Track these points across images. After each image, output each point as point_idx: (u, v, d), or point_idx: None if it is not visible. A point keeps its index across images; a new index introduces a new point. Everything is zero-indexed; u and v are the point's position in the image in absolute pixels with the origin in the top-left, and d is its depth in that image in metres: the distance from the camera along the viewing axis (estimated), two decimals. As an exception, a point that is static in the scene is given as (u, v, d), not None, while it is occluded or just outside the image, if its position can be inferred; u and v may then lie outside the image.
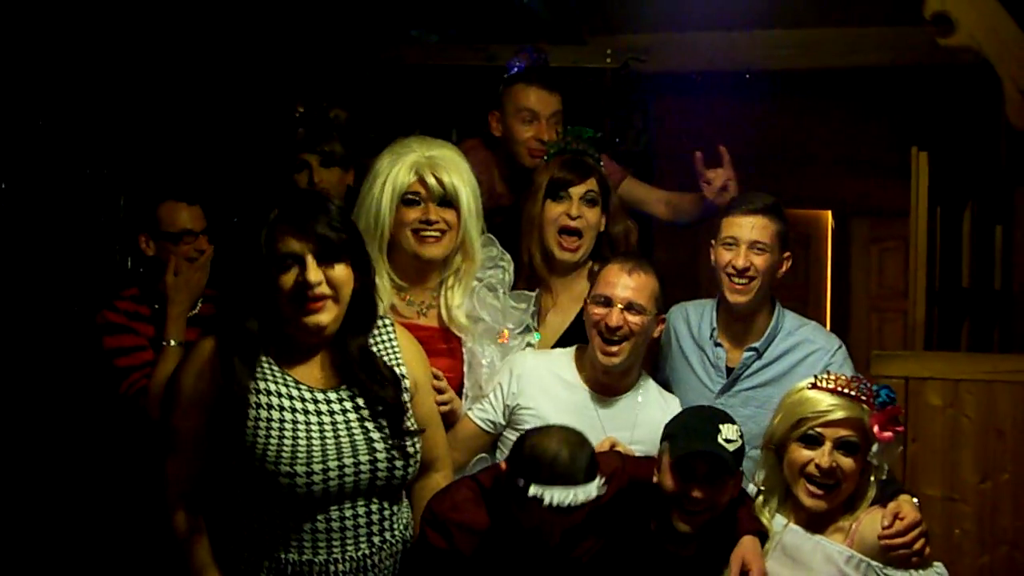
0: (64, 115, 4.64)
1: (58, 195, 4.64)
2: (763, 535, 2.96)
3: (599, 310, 3.32)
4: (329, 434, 2.78)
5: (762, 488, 3.07)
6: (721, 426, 2.89)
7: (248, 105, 5.08)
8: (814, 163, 7.02)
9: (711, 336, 3.61)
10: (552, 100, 4.24)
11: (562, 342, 3.60)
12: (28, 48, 4.41)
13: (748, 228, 3.50)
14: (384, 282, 3.35)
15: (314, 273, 2.70)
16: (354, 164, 4.01)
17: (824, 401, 2.92)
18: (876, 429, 2.90)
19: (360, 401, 2.83)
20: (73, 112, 4.67)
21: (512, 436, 3.21)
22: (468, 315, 3.43)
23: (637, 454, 3.15)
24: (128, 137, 4.90)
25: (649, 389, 3.44)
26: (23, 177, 4.46)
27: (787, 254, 3.58)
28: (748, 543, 2.92)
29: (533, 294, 3.60)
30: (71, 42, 4.57)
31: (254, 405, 2.75)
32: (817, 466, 2.89)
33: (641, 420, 3.32)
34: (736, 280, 3.50)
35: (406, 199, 3.32)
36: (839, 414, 2.90)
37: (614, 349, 3.29)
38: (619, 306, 3.30)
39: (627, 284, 3.33)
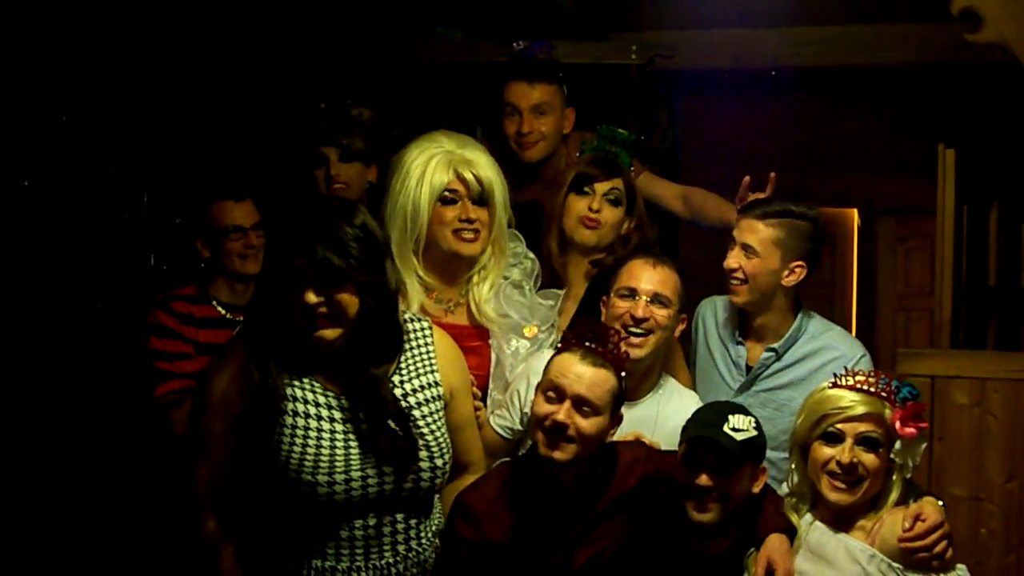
0: (87, 112, 4.65)
1: (81, 192, 4.65)
2: (791, 532, 2.95)
3: (624, 303, 3.32)
4: (353, 443, 2.79)
5: (793, 492, 3.06)
6: (730, 416, 2.90)
7: (271, 102, 5.09)
8: (840, 161, 6.99)
9: (734, 333, 3.63)
10: (533, 93, 4.23)
11: None
12: (51, 45, 4.42)
13: (743, 230, 3.51)
14: (414, 283, 3.35)
15: (310, 295, 2.66)
16: (377, 160, 4.01)
17: (844, 398, 2.92)
18: (898, 425, 2.89)
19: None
20: (96, 109, 4.68)
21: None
22: (496, 311, 3.43)
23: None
24: (151, 133, 4.92)
25: (670, 392, 3.43)
26: (47, 174, 4.48)
27: (797, 263, 3.50)
28: (775, 541, 2.90)
29: (561, 292, 3.60)
30: (94, 39, 4.58)
31: (288, 411, 2.76)
32: (838, 462, 2.88)
33: (662, 423, 3.30)
34: (729, 280, 3.54)
35: (444, 197, 3.32)
36: (859, 410, 2.89)
37: (638, 341, 3.27)
38: (645, 298, 3.30)
39: (652, 276, 3.34)
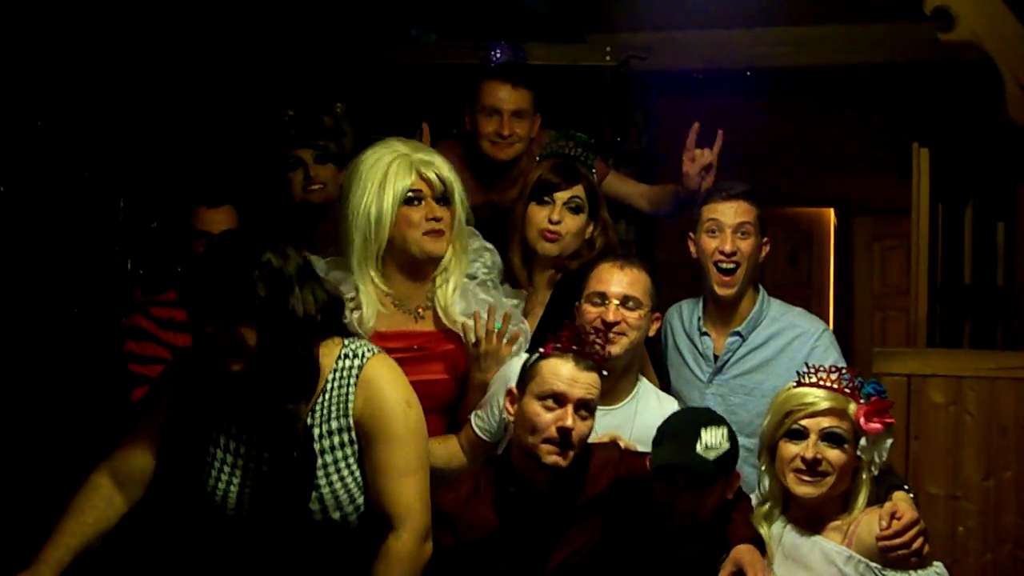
0: (63, 117, 4.63)
1: (57, 197, 4.63)
2: (759, 543, 2.94)
3: (594, 309, 3.31)
4: (248, 480, 2.82)
5: (765, 499, 3.06)
6: (703, 431, 2.88)
7: (246, 106, 5.07)
8: (815, 161, 7.02)
9: (698, 326, 3.67)
10: (516, 96, 4.28)
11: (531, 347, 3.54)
12: (26, 50, 4.40)
13: (731, 212, 3.59)
14: (370, 293, 3.32)
15: (208, 327, 2.67)
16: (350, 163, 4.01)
17: (808, 394, 2.95)
18: (862, 420, 2.90)
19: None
20: (71, 114, 4.66)
21: None
22: (463, 312, 3.39)
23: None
24: (127, 138, 4.90)
25: (647, 396, 3.43)
26: (22, 179, 4.45)
27: (766, 239, 3.66)
28: (742, 551, 2.89)
29: (524, 292, 3.61)
30: (68, 44, 4.56)
31: (200, 436, 2.83)
32: (803, 459, 2.89)
33: (639, 428, 3.29)
34: (723, 265, 3.57)
35: (408, 199, 3.30)
36: (823, 405, 2.92)
37: (612, 338, 3.26)
38: (615, 302, 3.29)
39: (621, 279, 3.33)
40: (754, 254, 3.60)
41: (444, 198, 3.35)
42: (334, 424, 2.79)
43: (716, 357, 3.63)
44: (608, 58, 5.38)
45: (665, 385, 3.71)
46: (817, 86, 6.27)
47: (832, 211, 8.27)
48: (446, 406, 3.44)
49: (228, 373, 2.69)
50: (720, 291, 3.60)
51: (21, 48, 4.39)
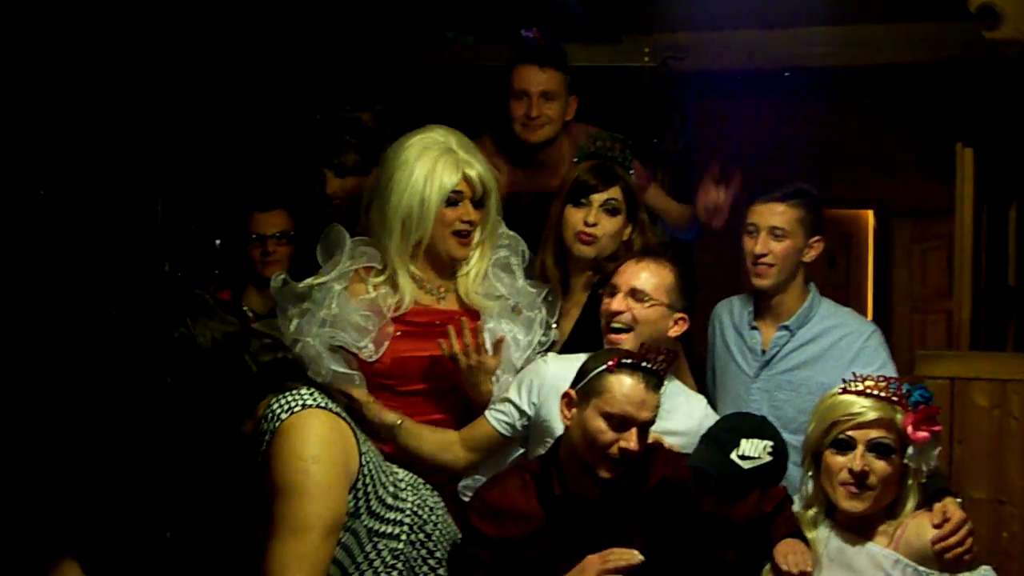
0: (102, 121, 4.66)
1: (96, 200, 4.66)
2: (802, 538, 2.90)
3: (606, 299, 3.32)
4: None
5: (808, 503, 3.02)
6: (744, 441, 2.86)
7: (283, 111, 5.09)
8: (854, 162, 6.99)
9: (748, 320, 3.70)
10: (542, 78, 4.25)
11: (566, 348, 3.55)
12: (68, 54, 4.43)
13: (767, 215, 3.60)
14: (407, 278, 3.39)
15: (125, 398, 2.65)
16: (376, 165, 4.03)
17: (855, 403, 2.87)
18: (910, 429, 2.84)
19: None
20: (110, 118, 4.69)
21: (541, 448, 3.19)
22: (485, 294, 3.45)
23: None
24: (165, 141, 4.92)
25: (674, 394, 3.32)
26: (62, 183, 4.49)
27: (816, 239, 3.65)
28: (785, 544, 2.85)
29: (547, 286, 3.57)
30: (111, 48, 4.59)
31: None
32: (850, 471, 2.84)
33: (665, 426, 3.17)
34: (756, 265, 3.60)
35: (449, 199, 3.36)
36: (870, 416, 2.85)
37: (618, 337, 3.22)
38: (623, 292, 3.28)
39: (634, 272, 3.31)
40: (791, 255, 3.60)
41: (480, 201, 3.40)
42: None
43: (763, 352, 3.64)
44: (646, 59, 5.39)
45: (708, 383, 3.72)
46: (857, 86, 6.25)
47: (871, 212, 8.22)
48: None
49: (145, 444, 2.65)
50: (755, 282, 3.64)
51: (64, 53, 4.42)
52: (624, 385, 2.85)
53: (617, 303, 3.27)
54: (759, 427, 2.95)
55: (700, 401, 3.41)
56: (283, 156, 4.85)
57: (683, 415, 3.24)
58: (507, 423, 3.33)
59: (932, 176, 6.19)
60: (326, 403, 2.66)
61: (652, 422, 2.88)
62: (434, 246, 3.40)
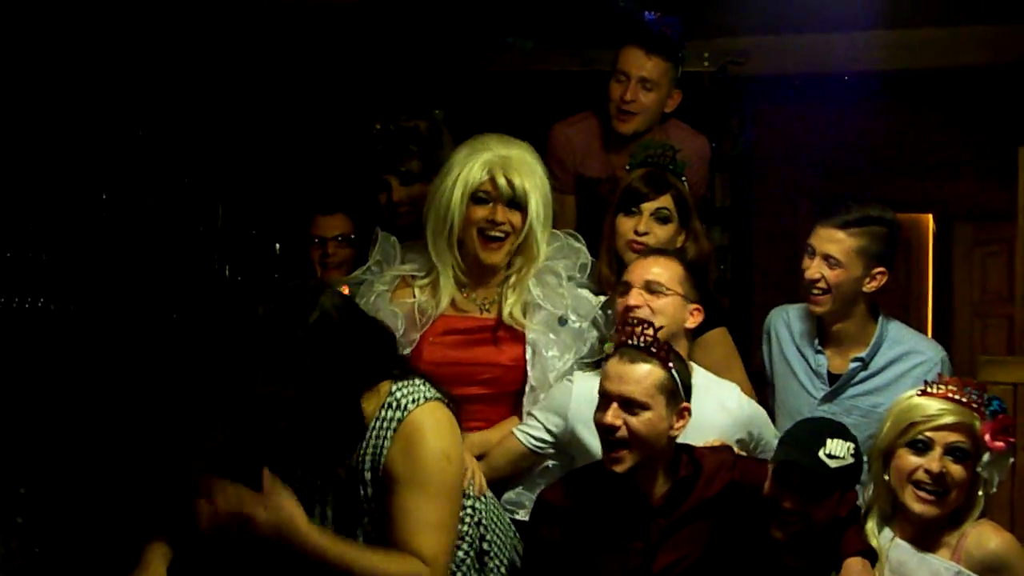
0: (162, 125, 4.72)
1: (158, 204, 4.72)
2: (872, 556, 2.90)
3: (620, 298, 3.31)
4: None
5: (870, 505, 3.02)
6: (829, 440, 2.85)
7: (346, 117, 5.13)
8: (914, 166, 6.93)
9: (813, 342, 3.59)
10: (647, 63, 4.23)
11: None
12: (130, 59, 4.49)
13: (825, 240, 3.47)
14: (448, 279, 3.42)
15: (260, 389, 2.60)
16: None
17: (934, 406, 2.87)
18: (988, 437, 2.83)
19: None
20: (171, 122, 4.75)
21: (582, 460, 3.22)
22: (527, 303, 3.45)
23: None
24: (226, 145, 4.98)
25: (705, 385, 3.27)
26: (124, 187, 4.55)
27: (879, 270, 3.50)
28: (856, 564, 2.85)
29: (605, 297, 3.55)
30: (172, 53, 4.65)
31: None
32: (927, 471, 2.83)
33: (697, 420, 3.09)
34: (810, 291, 3.50)
35: (476, 197, 3.38)
36: (949, 419, 2.85)
37: (636, 330, 3.16)
38: (637, 287, 3.27)
39: (645, 267, 3.32)
40: (845, 285, 3.47)
41: (515, 203, 3.39)
42: (367, 476, 2.74)
43: (829, 374, 3.56)
44: (706, 63, 5.37)
45: (769, 394, 3.68)
46: (917, 89, 6.20)
47: (931, 216, 8.15)
48: (510, 394, 3.47)
49: (274, 429, 2.64)
50: (810, 306, 3.56)
51: (125, 57, 4.48)
52: (607, 364, 2.92)
53: (633, 298, 3.26)
54: (842, 430, 2.94)
55: (732, 390, 3.37)
56: (344, 160, 4.90)
57: (714, 405, 3.22)
58: (538, 438, 3.35)
59: (993, 179, 6.14)
60: (440, 395, 2.78)
61: (635, 398, 2.85)
62: (465, 246, 3.43)
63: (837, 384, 3.53)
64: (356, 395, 2.70)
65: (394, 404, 2.72)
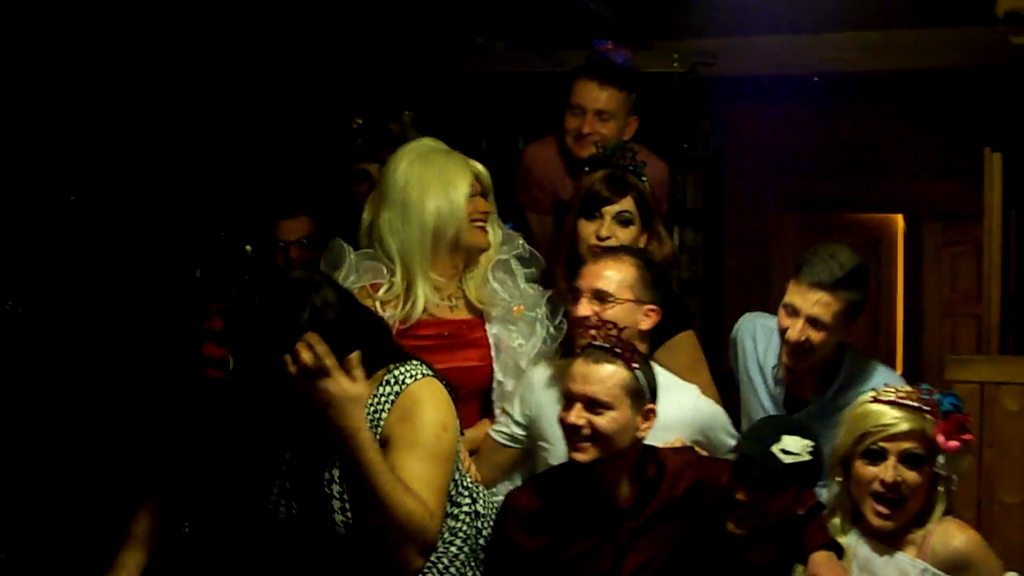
0: (132, 127, 4.70)
1: (127, 206, 4.70)
2: (837, 549, 2.91)
3: (571, 305, 3.29)
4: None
5: (834, 507, 3.02)
6: (786, 436, 2.86)
7: (313, 117, 5.12)
8: (884, 166, 6.95)
9: (774, 373, 3.51)
10: (601, 95, 4.23)
11: None
12: (97, 64, 4.48)
13: (810, 303, 3.27)
14: (426, 286, 3.39)
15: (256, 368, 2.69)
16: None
17: (886, 414, 2.87)
18: (941, 439, 2.83)
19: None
20: (141, 124, 4.73)
21: (546, 458, 3.22)
22: (488, 293, 3.47)
23: None
24: (195, 148, 4.97)
25: (661, 387, 3.13)
26: (92, 189, 4.53)
27: (855, 320, 3.36)
28: (821, 557, 2.87)
29: (550, 291, 3.53)
30: (138, 57, 4.64)
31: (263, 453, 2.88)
32: (882, 482, 2.84)
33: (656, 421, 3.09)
34: (792, 352, 3.36)
35: (471, 195, 3.41)
36: (902, 427, 2.84)
37: (600, 332, 3.17)
38: (586, 296, 3.24)
39: (595, 273, 3.26)
40: (831, 342, 3.33)
41: (485, 192, 3.47)
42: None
43: (788, 401, 3.47)
44: (675, 64, 5.38)
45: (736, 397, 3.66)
46: (886, 91, 6.23)
47: (901, 217, 8.19)
48: (478, 392, 3.48)
49: (283, 400, 2.69)
50: (788, 362, 3.40)
51: (95, 61, 4.46)
52: (573, 366, 2.94)
53: (582, 308, 3.22)
54: (802, 427, 2.95)
55: (690, 391, 3.34)
56: (306, 163, 4.89)
57: (673, 405, 3.15)
58: (507, 434, 3.36)
59: (962, 180, 6.16)
60: (437, 374, 2.86)
61: (599, 398, 2.86)
62: (456, 243, 3.41)
63: (795, 414, 3.42)
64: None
65: (392, 380, 2.80)
